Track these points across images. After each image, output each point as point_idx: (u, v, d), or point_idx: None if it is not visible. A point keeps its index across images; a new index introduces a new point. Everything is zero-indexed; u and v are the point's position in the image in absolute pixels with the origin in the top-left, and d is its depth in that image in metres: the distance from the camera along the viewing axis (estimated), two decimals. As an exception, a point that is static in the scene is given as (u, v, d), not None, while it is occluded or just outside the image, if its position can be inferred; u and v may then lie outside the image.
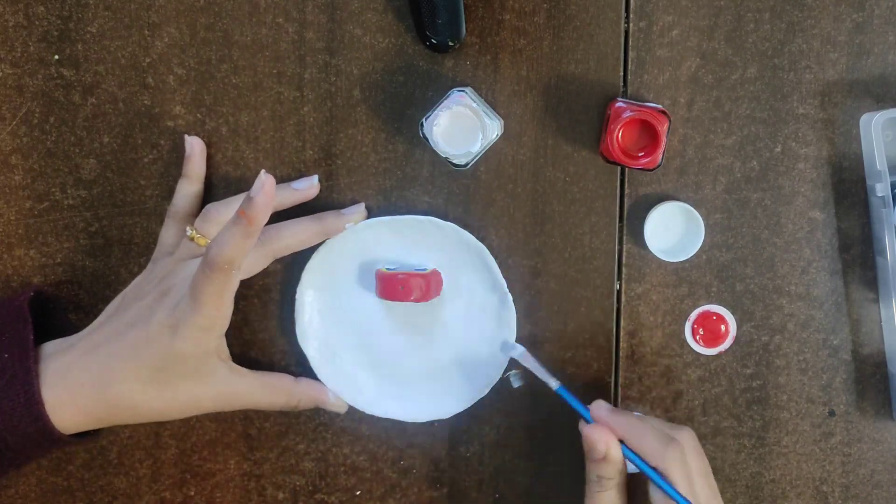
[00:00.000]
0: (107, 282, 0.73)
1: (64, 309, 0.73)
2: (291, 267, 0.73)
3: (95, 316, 0.72)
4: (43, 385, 0.63)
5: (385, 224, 0.71)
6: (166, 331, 0.63)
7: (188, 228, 0.68)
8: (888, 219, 0.69)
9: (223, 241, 0.60)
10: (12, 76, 0.72)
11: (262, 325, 0.73)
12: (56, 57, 0.71)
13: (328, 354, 0.73)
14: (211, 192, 0.72)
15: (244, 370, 0.69)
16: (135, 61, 0.71)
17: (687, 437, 0.66)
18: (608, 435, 0.66)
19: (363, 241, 0.72)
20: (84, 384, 0.64)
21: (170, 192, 0.72)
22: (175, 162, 0.72)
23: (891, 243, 0.69)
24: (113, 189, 0.72)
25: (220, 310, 0.63)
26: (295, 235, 0.69)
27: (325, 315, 0.73)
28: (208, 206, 0.69)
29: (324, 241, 0.71)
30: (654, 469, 0.64)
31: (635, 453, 0.65)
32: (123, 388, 0.64)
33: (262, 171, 0.60)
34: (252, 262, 0.68)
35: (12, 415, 0.62)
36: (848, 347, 0.74)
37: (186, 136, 0.70)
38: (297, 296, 0.72)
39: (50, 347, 0.66)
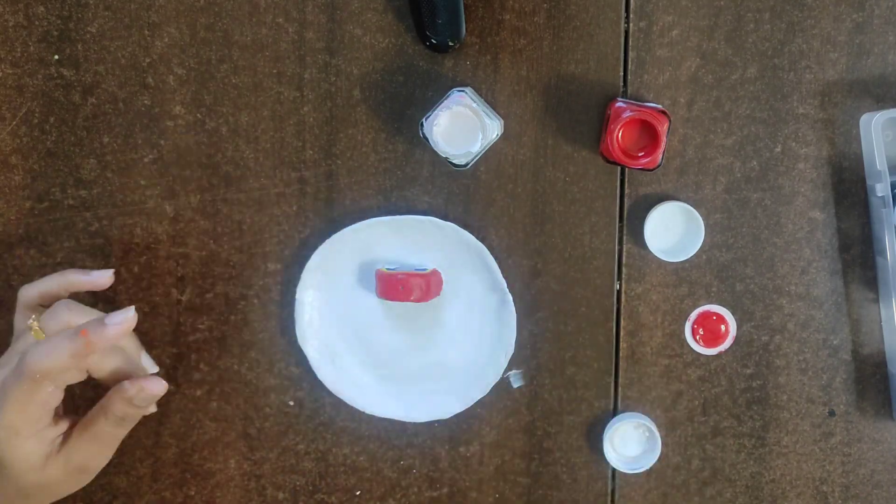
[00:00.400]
0: (107, 282, 0.73)
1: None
2: (291, 267, 0.73)
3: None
4: None
5: (385, 224, 0.71)
6: None
7: (32, 317, 0.63)
8: (888, 219, 0.69)
9: (46, 352, 0.57)
10: (12, 76, 0.72)
11: (261, 325, 0.73)
12: (56, 57, 0.71)
13: (328, 354, 0.73)
14: (210, 191, 0.72)
15: (59, 442, 0.62)
16: (135, 61, 0.71)
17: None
18: None
19: (363, 240, 0.72)
20: None
21: (170, 193, 0.72)
22: (175, 162, 0.72)
23: (891, 243, 0.69)
24: (113, 189, 0.72)
25: (24, 414, 0.59)
26: (48, 356, 0.59)
27: (325, 315, 0.73)
28: (59, 304, 0.63)
29: (324, 240, 0.71)
30: None
31: None
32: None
33: (132, 307, 0.58)
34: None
35: None
36: (848, 347, 0.74)
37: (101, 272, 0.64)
38: (298, 296, 0.72)
39: None
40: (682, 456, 0.75)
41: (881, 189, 0.69)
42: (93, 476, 0.64)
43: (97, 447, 0.63)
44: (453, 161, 0.67)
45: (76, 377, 0.61)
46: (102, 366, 0.63)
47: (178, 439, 0.74)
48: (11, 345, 0.65)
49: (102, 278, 0.66)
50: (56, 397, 0.60)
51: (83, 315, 0.62)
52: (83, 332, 0.57)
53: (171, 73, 0.71)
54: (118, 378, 0.63)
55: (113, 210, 0.73)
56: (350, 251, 0.72)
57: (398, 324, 0.73)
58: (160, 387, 0.61)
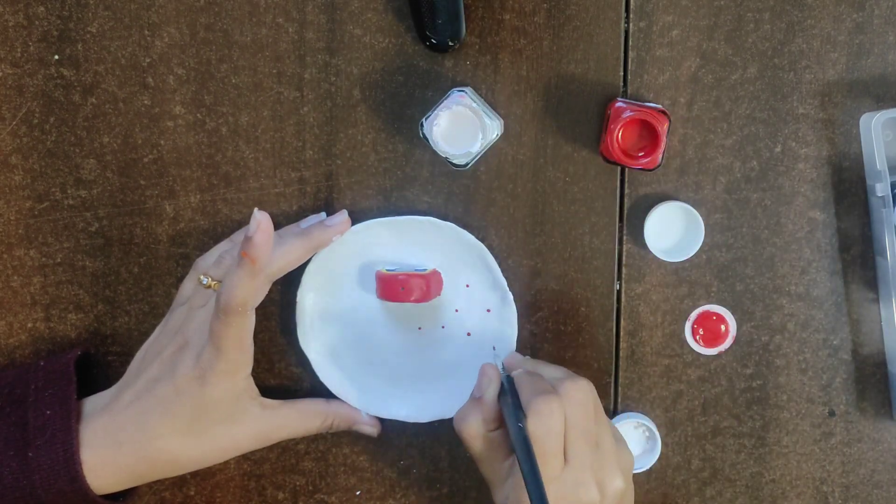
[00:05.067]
0: (107, 282, 0.73)
1: (66, 310, 0.73)
2: (291, 267, 0.73)
3: (95, 316, 0.73)
4: (82, 445, 0.64)
5: (384, 225, 0.71)
6: (194, 382, 0.64)
7: (202, 277, 0.68)
8: (888, 219, 0.69)
9: (232, 285, 0.62)
10: (12, 76, 0.71)
11: (261, 326, 0.73)
12: (56, 57, 0.71)
13: (329, 356, 0.73)
14: (210, 191, 0.72)
15: (275, 402, 0.69)
16: (135, 61, 0.71)
17: (571, 389, 0.62)
18: (495, 379, 0.65)
19: (363, 242, 0.72)
20: (122, 443, 0.65)
21: (170, 192, 0.72)
22: (175, 162, 0.72)
23: (891, 243, 0.69)
24: (113, 189, 0.73)
25: (242, 352, 0.64)
26: (285, 256, 0.68)
27: (325, 317, 0.73)
28: (221, 253, 0.69)
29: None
30: (520, 425, 0.60)
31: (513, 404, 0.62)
32: (161, 443, 0.65)
33: (255, 209, 0.61)
34: None
35: (50, 472, 0.63)
36: (848, 347, 0.74)
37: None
38: (298, 299, 0.72)
39: (89, 406, 0.67)
40: (682, 456, 0.75)
41: (881, 189, 0.69)
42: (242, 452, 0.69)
43: (300, 420, 0.69)
44: (453, 161, 0.67)
45: (262, 290, 0.67)
46: (282, 262, 0.68)
47: (178, 439, 0.74)
48: (175, 308, 0.69)
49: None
50: (253, 322, 0.65)
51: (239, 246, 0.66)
52: (242, 254, 0.61)
53: (171, 73, 0.71)
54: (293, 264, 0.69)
55: (113, 210, 0.73)
56: (350, 253, 0.72)
57: (399, 324, 0.73)
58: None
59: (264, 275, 0.66)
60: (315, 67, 0.71)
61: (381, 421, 0.73)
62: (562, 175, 0.72)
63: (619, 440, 0.65)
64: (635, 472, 0.73)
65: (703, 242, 0.72)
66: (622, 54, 0.71)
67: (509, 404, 0.62)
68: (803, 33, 0.71)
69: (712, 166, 0.72)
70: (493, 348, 0.72)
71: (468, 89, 0.68)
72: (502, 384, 0.65)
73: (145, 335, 0.70)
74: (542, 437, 0.60)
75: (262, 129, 0.72)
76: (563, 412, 0.61)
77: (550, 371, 0.66)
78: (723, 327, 0.73)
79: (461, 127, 0.66)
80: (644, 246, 0.72)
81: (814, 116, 0.72)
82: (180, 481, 0.74)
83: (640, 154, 0.68)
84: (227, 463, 0.74)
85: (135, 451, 0.65)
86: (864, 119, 0.71)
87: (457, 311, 0.73)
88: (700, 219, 0.71)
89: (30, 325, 0.73)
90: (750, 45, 0.71)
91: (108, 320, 0.73)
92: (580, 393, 0.62)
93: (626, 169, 0.72)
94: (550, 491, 0.59)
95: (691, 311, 0.73)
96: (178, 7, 0.71)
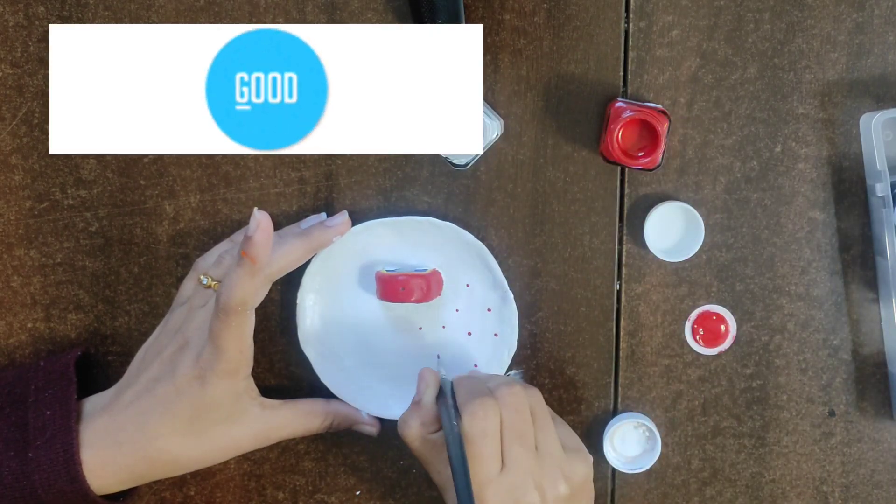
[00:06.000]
0: (107, 282, 0.73)
1: (66, 310, 0.73)
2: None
3: (96, 316, 0.73)
4: (82, 446, 0.64)
5: (384, 225, 0.71)
6: (195, 382, 0.64)
7: (202, 277, 0.68)
8: (888, 219, 0.69)
9: (232, 284, 0.62)
10: (12, 76, 0.71)
11: (261, 326, 0.73)
12: (56, 57, 0.71)
13: (330, 357, 0.73)
14: (210, 191, 0.72)
15: (276, 402, 0.69)
16: (135, 61, 0.71)
17: (506, 393, 0.62)
18: (433, 383, 0.65)
19: (362, 243, 0.72)
20: (122, 443, 0.65)
21: (170, 192, 0.72)
22: (175, 162, 0.72)
23: (891, 243, 0.69)
24: (113, 189, 0.73)
25: (242, 352, 0.64)
26: (285, 257, 0.68)
27: (326, 318, 0.72)
28: (221, 253, 0.69)
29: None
30: (454, 422, 0.60)
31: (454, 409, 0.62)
32: (161, 443, 0.65)
33: (255, 208, 0.61)
34: None
35: (50, 473, 0.63)
36: (848, 347, 0.74)
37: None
38: (298, 300, 0.72)
39: (89, 406, 0.67)
40: (682, 456, 0.75)
41: (881, 189, 0.69)
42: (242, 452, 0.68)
43: (301, 420, 0.69)
44: (453, 161, 0.67)
45: (261, 291, 0.67)
46: (282, 263, 0.68)
47: (178, 439, 0.74)
48: (175, 308, 0.69)
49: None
50: (253, 323, 0.65)
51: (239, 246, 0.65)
52: (242, 253, 0.61)
53: (171, 73, 0.71)
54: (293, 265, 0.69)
55: (113, 210, 0.73)
56: (350, 254, 0.72)
57: (399, 325, 0.73)
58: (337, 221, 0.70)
59: (264, 274, 0.66)
60: (315, 67, 0.71)
61: (381, 421, 0.73)
62: (562, 175, 0.72)
63: (570, 448, 0.64)
64: (636, 471, 0.73)
65: (703, 242, 0.72)
66: (622, 54, 0.71)
67: (448, 405, 0.62)
68: (803, 33, 0.71)
69: (712, 166, 0.72)
70: (437, 356, 0.71)
71: (468, 89, 0.68)
72: (441, 388, 0.66)
73: (145, 335, 0.70)
74: (478, 438, 0.60)
75: (262, 129, 0.72)
76: (499, 414, 0.61)
77: (493, 378, 0.66)
78: (723, 327, 0.73)
79: (461, 127, 0.66)
80: (644, 246, 0.72)
81: (814, 116, 0.72)
82: (180, 481, 0.74)
83: (640, 154, 0.68)
84: (227, 463, 0.74)
85: (135, 451, 0.65)
86: (864, 119, 0.71)
87: (457, 311, 0.73)
88: (700, 219, 0.71)
89: (30, 325, 0.73)
90: (750, 45, 0.71)
91: (108, 320, 0.73)
92: (515, 397, 0.62)
93: (626, 169, 0.72)
94: (488, 493, 0.60)
95: (691, 311, 0.73)
96: (178, 7, 0.71)
